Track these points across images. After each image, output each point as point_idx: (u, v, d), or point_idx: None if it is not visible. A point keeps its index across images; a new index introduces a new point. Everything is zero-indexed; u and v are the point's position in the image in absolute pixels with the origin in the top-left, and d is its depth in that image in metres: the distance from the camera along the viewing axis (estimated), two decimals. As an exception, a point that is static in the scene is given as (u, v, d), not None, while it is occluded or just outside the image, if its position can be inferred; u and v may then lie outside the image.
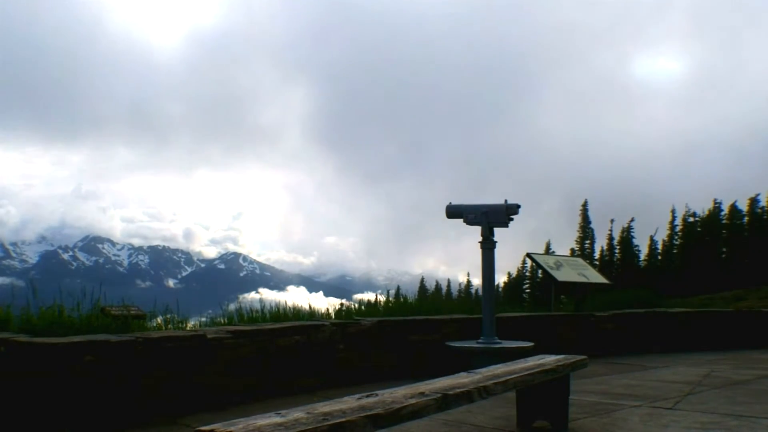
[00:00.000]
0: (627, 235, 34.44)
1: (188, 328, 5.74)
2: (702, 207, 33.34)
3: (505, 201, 6.60)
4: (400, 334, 6.67)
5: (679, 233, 33.06)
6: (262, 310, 6.78)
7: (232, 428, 2.07)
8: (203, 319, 6.55)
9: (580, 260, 11.64)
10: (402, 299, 9.57)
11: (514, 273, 37.00)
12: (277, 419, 2.20)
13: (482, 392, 3.07)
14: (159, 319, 5.98)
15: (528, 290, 34.90)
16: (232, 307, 6.94)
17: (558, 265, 9.93)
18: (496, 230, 6.65)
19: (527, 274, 36.12)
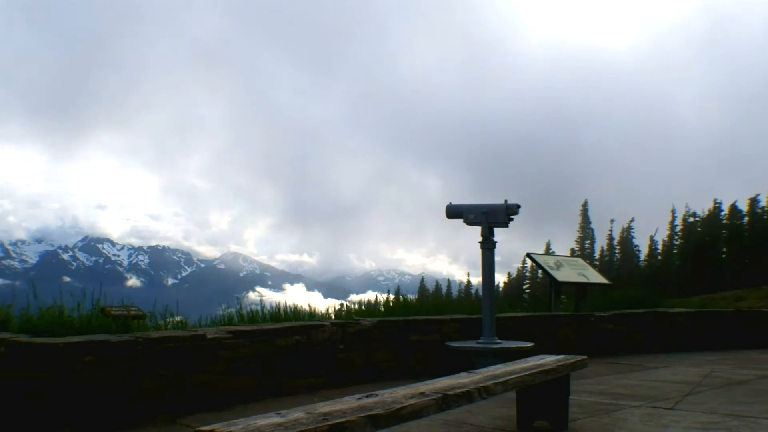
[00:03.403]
0: (627, 235, 34.53)
1: (188, 328, 5.73)
2: (702, 207, 33.42)
3: (505, 201, 6.61)
4: (400, 334, 6.67)
5: (679, 233, 33.11)
6: (262, 310, 6.77)
7: (232, 428, 2.07)
8: (203, 320, 6.54)
9: (580, 260, 11.63)
10: (402, 299, 9.57)
11: (514, 273, 37.08)
12: (277, 419, 2.20)
13: (482, 392, 3.07)
14: (159, 319, 5.97)
15: (528, 290, 34.96)
16: (231, 307, 6.93)
17: (558, 265, 9.92)
18: (496, 230, 6.66)
19: (527, 274, 36.19)
